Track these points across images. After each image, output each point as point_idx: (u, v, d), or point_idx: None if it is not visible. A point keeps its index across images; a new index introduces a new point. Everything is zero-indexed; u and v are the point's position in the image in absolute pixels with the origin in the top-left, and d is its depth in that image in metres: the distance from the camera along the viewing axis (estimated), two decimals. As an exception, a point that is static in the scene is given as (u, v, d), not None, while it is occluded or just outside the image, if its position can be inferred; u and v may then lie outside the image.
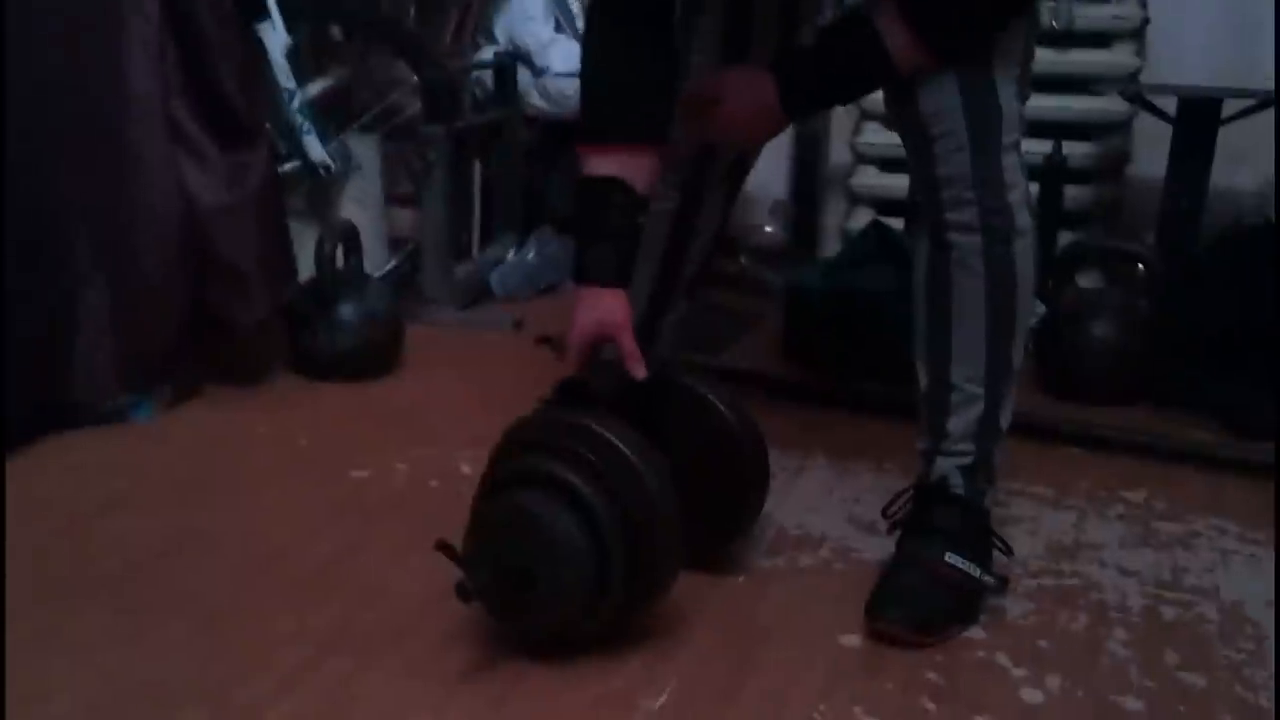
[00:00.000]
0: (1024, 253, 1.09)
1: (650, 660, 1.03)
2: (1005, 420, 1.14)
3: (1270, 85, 1.87)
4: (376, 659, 1.01)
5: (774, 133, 1.21)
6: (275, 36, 1.90)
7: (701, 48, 1.29)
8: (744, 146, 1.30)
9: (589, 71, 1.16)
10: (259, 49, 1.87)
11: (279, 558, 1.20)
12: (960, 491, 1.13)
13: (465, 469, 1.42)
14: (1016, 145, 1.08)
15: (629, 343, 1.11)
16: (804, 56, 1.14)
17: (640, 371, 1.11)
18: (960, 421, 1.13)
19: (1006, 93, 1.07)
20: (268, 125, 1.71)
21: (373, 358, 1.76)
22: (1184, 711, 0.98)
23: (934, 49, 1.05)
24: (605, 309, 1.10)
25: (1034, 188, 1.96)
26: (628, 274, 1.13)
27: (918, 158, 1.11)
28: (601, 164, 1.11)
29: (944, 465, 1.14)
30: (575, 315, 1.12)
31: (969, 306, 1.10)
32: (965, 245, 1.09)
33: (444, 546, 0.99)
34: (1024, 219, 1.09)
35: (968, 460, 1.13)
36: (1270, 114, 1.84)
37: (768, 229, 2.38)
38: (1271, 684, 1.03)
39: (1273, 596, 1.18)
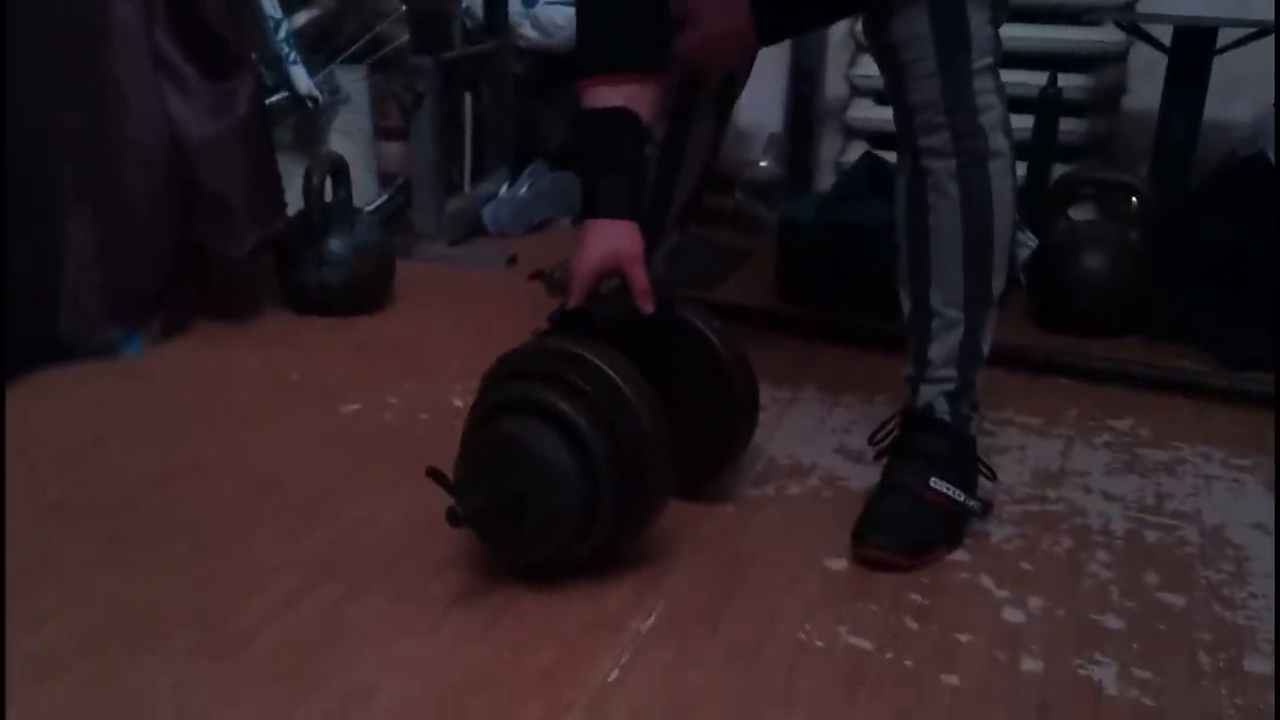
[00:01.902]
0: (1000, 174, 1.10)
1: (640, 585, 1.04)
2: (986, 345, 1.15)
3: (1264, 15, 1.84)
4: (367, 586, 1.03)
5: (745, 55, 1.19)
6: (260, -35, 1.86)
7: None
8: (714, 67, 1.29)
9: (586, 3, 1.14)
10: (243, -23, 1.83)
11: (270, 489, 1.20)
12: (945, 418, 1.14)
13: (457, 403, 1.43)
14: (990, 69, 1.08)
15: (641, 277, 1.09)
16: None
17: (649, 307, 1.10)
18: (941, 347, 1.13)
19: (978, 18, 1.07)
20: (254, 55, 1.67)
21: (363, 292, 1.75)
22: (1163, 630, 1.00)
23: None
24: (619, 241, 1.09)
25: (1029, 120, 1.98)
26: (639, 207, 1.11)
27: (892, 85, 1.12)
28: (607, 95, 1.09)
29: (928, 392, 1.15)
30: (584, 247, 1.10)
31: (945, 229, 1.11)
32: (940, 169, 1.09)
33: (434, 472, 1.00)
34: (999, 141, 1.09)
35: (951, 386, 1.14)
36: (1264, 44, 1.82)
37: (762, 164, 2.35)
38: (1249, 603, 1.05)
39: (1254, 520, 1.20)
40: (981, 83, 1.08)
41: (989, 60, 1.08)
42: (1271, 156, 1.79)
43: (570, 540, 1.00)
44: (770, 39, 1.16)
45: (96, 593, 1.00)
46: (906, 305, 1.17)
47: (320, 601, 1.00)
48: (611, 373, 1.00)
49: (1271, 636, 1.00)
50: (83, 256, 1.50)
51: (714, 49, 1.17)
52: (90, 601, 0.99)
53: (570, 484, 0.98)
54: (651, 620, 0.99)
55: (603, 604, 1.01)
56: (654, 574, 1.06)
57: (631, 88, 1.09)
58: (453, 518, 0.96)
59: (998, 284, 1.14)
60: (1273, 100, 1.87)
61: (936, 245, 1.12)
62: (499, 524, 1.00)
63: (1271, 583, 1.08)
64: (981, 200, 1.10)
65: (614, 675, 0.91)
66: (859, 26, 1.93)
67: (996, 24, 1.10)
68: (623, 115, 1.09)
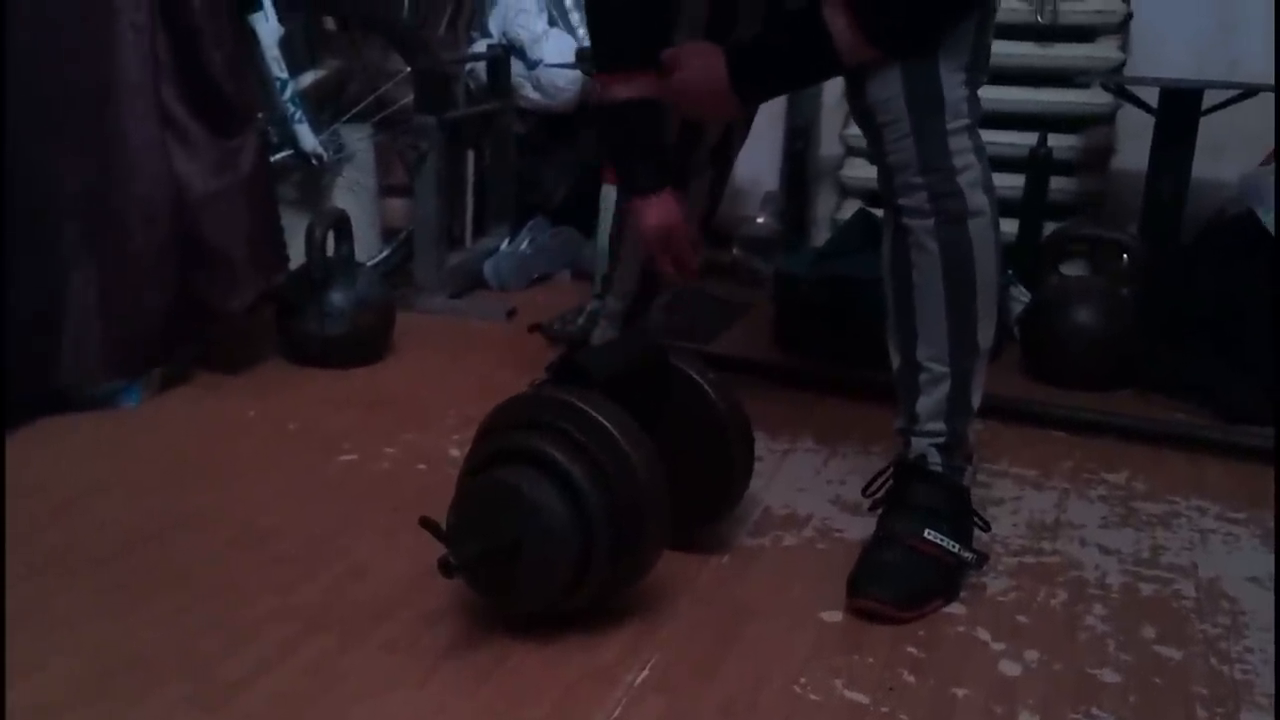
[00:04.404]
0: (981, 232, 1.11)
1: (633, 636, 1.03)
2: (976, 398, 1.16)
3: (1249, 78, 1.89)
4: (360, 636, 1.02)
5: (727, 111, 1.22)
6: (267, 27, 1.91)
7: (689, 24, 1.30)
8: (697, 117, 1.32)
9: (596, 9, 1.26)
10: (252, 38, 1.88)
11: (265, 538, 1.20)
12: (938, 469, 1.14)
13: (454, 453, 1.43)
14: (967, 129, 1.11)
15: (683, 242, 1.29)
16: (754, 43, 1.17)
17: (695, 263, 1.30)
18: (929, 402, 1.15)
19: (951, 80, 1.09)
20: (260, 114, 1.71)
21: (363, 344, 1.77)
22: (1159, 683, 1.00)
23: (878, 44, 1.08)
24: (665, 215, 1.27)
25: (1020, 179, 2.02)
26: (669, 178, 1.28)
27: (873, 146, 1.15)
28: (624, 88, 1.23)
29: (920, 444, 1.15)
30: (640, 220, 1.28)
31: (927, 286, 1.13)
32: (919, 228, 1.11)
33: (427, 522, 1.00)
34: (978, 200, 1.11)
35: (941, 439, 1.15)
36: (1250, 105, 1.86)
37: (759, 219, 2.39)
38: (1246, 657, 1.04)
39: (1250, 573, 1.20)
40: (958, 143, 1.10)
41: (965, 121, 1.10)
42: (1260, 215, 1.82)
43: (564, 590, 1.00)
44: (748, 99, 1.20)
45: (89, 642, 0.99)
46: (895, 360, 1.18)
47: (312, 652, 0.99)
48: (607, 422, 1.00)
49: (1268, 691, 0.99)
50: (84, 308, 1.52)
51: (693, 99, 1.20)
52: (83, 650, 0.98)
53: (564, 533, 0.98)
54: (645, 673, 0.98)
55: (596, 656, 1.00)
56: (648, 625, 1.05)
57: (640, 80, 1.22)
58: (445, 567, 0.96)
59: (984, 338, 1.15)
60: (1258, 161, 1.91)
61: (920, 302, 1.13)
62: (492, 573, 1.00)
63: (1267, 636, 1.07)
64: (962, 257, 1.11)
65: (607, 728, 0.91)
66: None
67: (973, 85, 1.12)
68: (638, 105, 1.23)
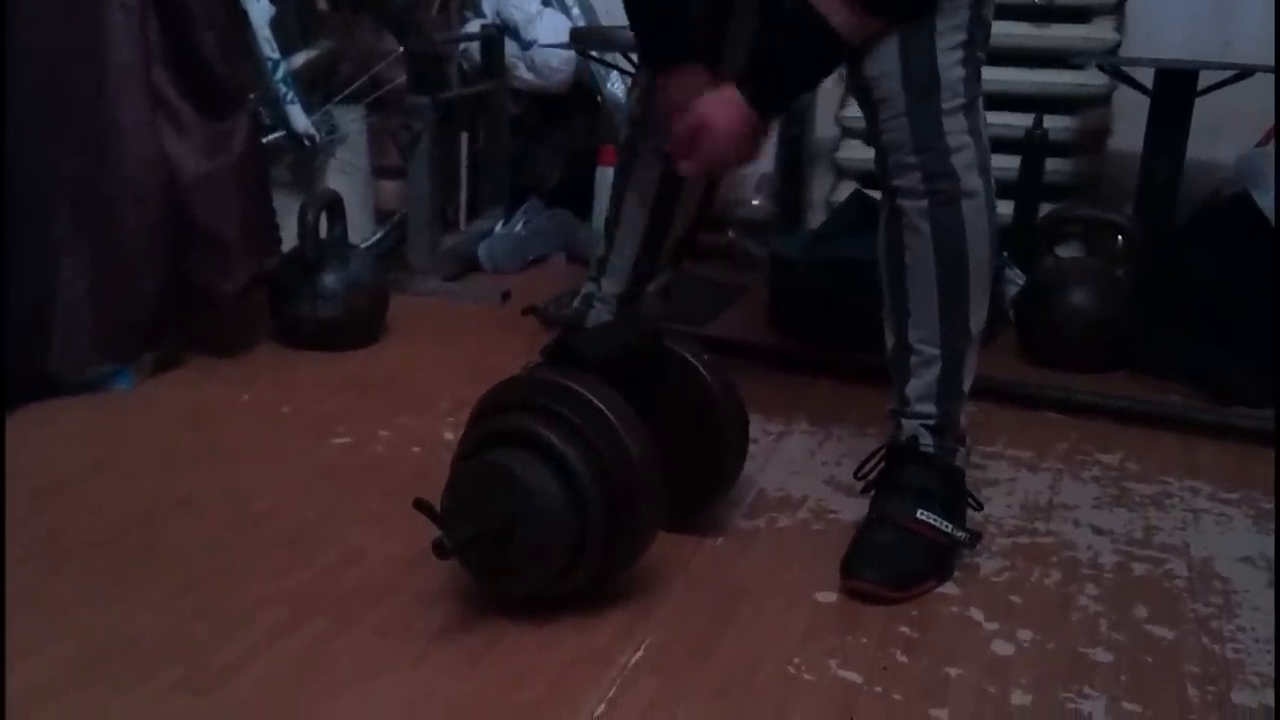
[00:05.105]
0: (975, 214, 1.11)
1: (628, 618, 1.04)
2: (967, 381, 1.16)
3: (1244, 58, 1.89)
4: (354, 619, 1.02)
5: (759, 135, 1.19)
6: (259, 7, 1.90)
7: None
8: (743, 163, 1.28)
9: (634, 9, 1.28)
10: (243, 19, 1.87)
11: (259, 522, 1.20)
12: (930, 450, 1.14)
13: (448, 436, 1.43)
14: (964, 108, 1.10)
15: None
16: (757, 61, 1.16)
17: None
18: (919, 384, 1.15)
19: (948, 59, 1.08)
20: (251, 95, 1.70)
21: (356, 327, 1.76)
22: (1151, 662, 1.00)
23: (877, 13, 1.07)
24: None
25: (1016, 160, 2.01)
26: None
27: (869, 125, 1.14)
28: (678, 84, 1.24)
29: (911, 426, 1.15)
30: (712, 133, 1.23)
31: (920, 268, 1.12)
32: (912, 209, 1.11)
33: (421, 504, 1.00)
34: (972, 181, 1.10)
35: (932, 421, 1.15)
36: (1245, 86, 1.85)
37: (755, 202, 2.38)
38: (1238, 636, 1.05)
39: (1242, 554, 1.21)
40: (953, 123, 1.09)
41: (961, 100, 1.09)
42: (1255, 197, 1.81)
43: (558, 572, 1.00)
44: (773, 113, 1.18)
45: (82, 627, 0.99)
46: (889, 341, 1.18)
47: (305, 636, 0.99)
48: (601, 405, 1.00)
49: (1259, 669, 0.99)
50: (76, 291, 1.51)
51: (731, 144, 1.16)
52: (76, 636, 0.98)
53: (558, 514, 0.98)
54: (640, 654, 0.98)
55: (590, 638, 1.00)
56: (643, 607, 1.06)
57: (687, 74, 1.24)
58: (439, 549, 0.96)
59: (976, 321, 1.14)
60: (1254, 142, 1.90)
61: (912, 283, 1.13)
62: (486, 556, 1.00)
63: (1259, 615, 1.08)
64: (954, 239, 1.11)
65: (600, 710, 0.91)
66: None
67: (971, 64, 1.11)
68: None
